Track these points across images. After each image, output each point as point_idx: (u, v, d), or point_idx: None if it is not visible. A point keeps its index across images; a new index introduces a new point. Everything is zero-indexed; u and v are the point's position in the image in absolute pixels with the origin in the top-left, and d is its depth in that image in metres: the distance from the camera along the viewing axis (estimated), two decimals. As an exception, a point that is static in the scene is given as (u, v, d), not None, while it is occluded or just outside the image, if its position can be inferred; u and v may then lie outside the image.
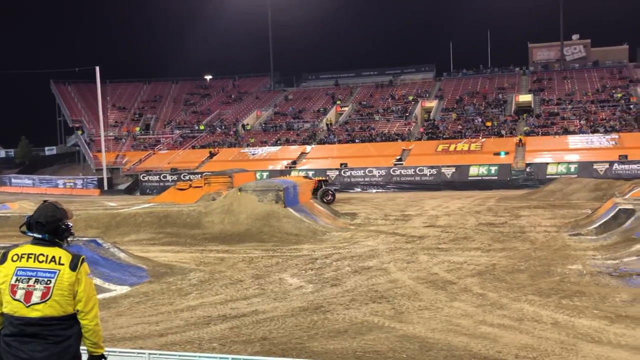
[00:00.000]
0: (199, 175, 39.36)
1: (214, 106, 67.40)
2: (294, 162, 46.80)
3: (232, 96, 70.03)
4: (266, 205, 18.65)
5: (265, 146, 52.15)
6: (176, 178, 43.74)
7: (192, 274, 12.38)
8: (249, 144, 53.51)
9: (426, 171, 39.27)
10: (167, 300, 10.14)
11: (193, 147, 55.13)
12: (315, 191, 28.82)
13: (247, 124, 59.08)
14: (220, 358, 5.07)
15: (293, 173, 42.94)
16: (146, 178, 46.65)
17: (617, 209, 16.00)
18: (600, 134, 43.14)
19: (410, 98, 58.96)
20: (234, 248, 15.82)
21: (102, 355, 3.95)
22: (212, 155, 51.38)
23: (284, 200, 18.87)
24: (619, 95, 50.79)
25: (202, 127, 60.45)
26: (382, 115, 55.97)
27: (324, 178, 31.33)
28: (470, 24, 77.16)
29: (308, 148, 49.79)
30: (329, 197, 28.89)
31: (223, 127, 60.41)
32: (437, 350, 7.13)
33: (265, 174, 42.73)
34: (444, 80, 64.49)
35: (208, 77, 75.31)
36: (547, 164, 38.84)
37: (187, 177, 42.33)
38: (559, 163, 38.59)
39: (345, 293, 10.25)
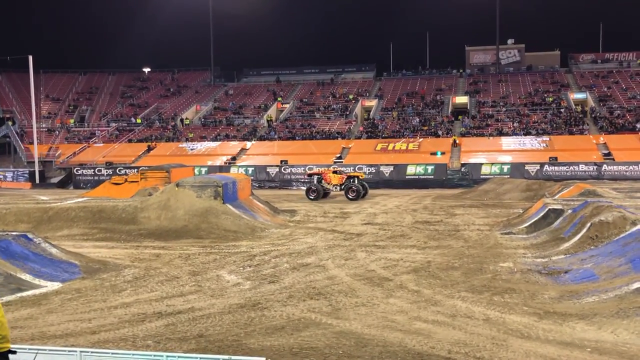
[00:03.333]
0: (135, 170, 38.48)
1: (152, 99, 66.03)
2: (234, 158, 46.41)
3: (171, 90, 68.77)
4: (204, 201, 18.44)
5: (204, 141, 51.47)
6: (111, 172, 42.73)
7: (127, 270, 12.11)
8: (188, 138, 52.70)
9: (365, 169, 39.64)
10: (100, 297, 9.89)
11: (129, 141, 53.84)
12: (342, 186, 29.26)
13: (186, 119, 58.17)
14: (155, 356, 4.97)
15: (232, 169, 42.60)
16: (80, 172, 45.32)
17: (546, 209, 16.56)
18: (532, 136, 44.57)
19: (351, 97, 59.41)
20: (171, 244, 15.58)
21: (10, 351, 3.80)
22: (149, 149, 50.36)
23: (223, 196, 18.70)
24: (551, 99, 52.67)
25: (139, 121, 59.11)
26: (323, 113, 56.16)
27: (357, 173, 31.04)
28: (410, 26, 78.42)
29: (248, 144, 49.47)
30: (354, 194, 28.70)
31: (161, 121, 59.24)
32: (372, 347, 7.22)
33: (204, 170, 42.17)
34: (384, 80, 65.26)
35: (146, 70, 73.69)
36: (482, 164, 39.84)
37: (122, 172, 41.32)
38: (492, 164, 39.65)
39: (283, 290, 10.26)
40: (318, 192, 29.39)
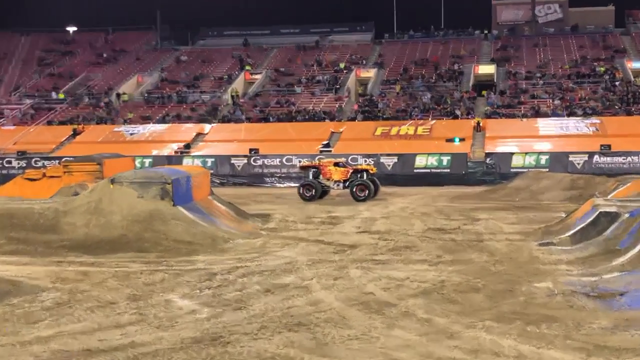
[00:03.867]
0: (57, 161, 38.12)
1: (79, 68, 65.49)
2: (188, 146, 46.22)
3: (104, 55, 68.24)
4: (148, 202, 18.33)
5: (148, 123, 51.18)
6: (25, 164, 42.47)
7: (46, 294, 12.02)
8: (127, 120, 52.36)
9: (361, 160, 39.66)
10: (10, 329, 9.82)
11: (49, 123, 53.38)
12: (345, 183, 29.50)
13: (124, 94, 57.83)
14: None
15: (185, 161, 42.47)
16: (-17, 164, 44.95)
17: (597, 213, 16.61)
18: (578, 118, 44.82)
19: (342, 66, 59.39)
20: (104, 260, 15.48)
21: None
22: (75, 134, 49.95)
23: (173, 196, 18.60)
24: (602, 69, 53.02)
25: (61, 96, 58.60)
26: (306, 87, 56.11)
27: (366, 166, 31.27)
28: (420, -27, 78.40)
29: (207, 127, 49.27)
30: (364, 193, 28.87)
31: (91, 97, 58.81)
32: (370, 392, 7.24)
33: (147, 162, 41.96)
34: (385, 43, 65.31)
35: (71, 29, 73.07)
36: (512, 154, 40.01)
37: (40, 164, 41.03)
38: (526, 153, 39.83)
39: (252, 319, 10.24)
40: (315, 190, 29.50)
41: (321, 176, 30.08)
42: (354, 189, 29.10)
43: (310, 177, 30.24)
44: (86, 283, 13.02)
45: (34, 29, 72.92)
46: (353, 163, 34.98)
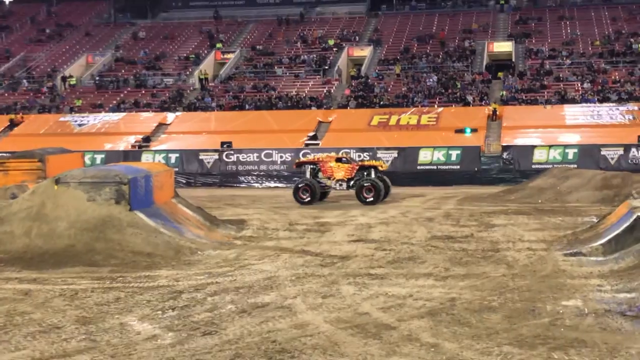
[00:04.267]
0: (-9, 158, 38.01)
1: (17, 46, 65.25)
2: (147, 139, 46.15)
3: (47, 31, 68.03)
4: (101, 206, 18.27)
5: (100, 112, 51.06)
6: (-47, 162, 42.14)
7: (-22, 317, 11.98)
8: (74, 108, 52.23)
9: (354, 155, 39.64)
10: None
11: (-19, 112, 53.27)
12: (349, 182, 29.62)
13: (71, 77, 57.66)
14: None
15: (145, 157, 42.34)
16: None
17: (634, 217, 16.68)
18: (611, 104, 45.10)
19: (331, 42, 59.43)
20: (48, 276, 15.42)
21: None
22: (12, 125, 49.80)
23: (130, 199, 18.55)
24: (640, 46, 53.28)
25: (-4, 80, 58.47)
26: (288, 68, 56.12)
27: (375, 162, 31.27)
28: None
29: (170, 117, 49.20)
30: (371, 195, 28.86)
31: (31, 81, 58.60)
32: None
33: (99, 158, 41.84)
34: (383, 16, 65.35)
35: (7, 0, 72.82)
36: (534, 147, 40.13)
37: (-29, 161, 40.84)
38: (550, 146, 39.97)
39: (225, 345, 10.22)
40: (314, 192, 29.48)
41: (321, 174, 30.12)
42: (361, 190, 29.13)
43: (308, 175, 30.26)
44: (26, 303, 12.96)
45: (-38, 0, 72.61)
46: (359, 158, 34.89)
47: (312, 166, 30.45)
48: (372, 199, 28.80)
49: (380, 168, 30.26)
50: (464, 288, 13.66)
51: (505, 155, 39.91)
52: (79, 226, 17.81)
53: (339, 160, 30.31)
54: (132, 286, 14.32)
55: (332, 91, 51.39)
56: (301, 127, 45.19)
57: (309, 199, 29.30)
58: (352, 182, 29.71)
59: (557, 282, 13.97)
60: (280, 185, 40.39)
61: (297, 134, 44.17)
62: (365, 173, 29.78)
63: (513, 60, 54.01)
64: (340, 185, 29.91)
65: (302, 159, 32.85)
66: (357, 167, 30.05)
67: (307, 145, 42.35)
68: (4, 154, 35.06)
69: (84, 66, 60.66)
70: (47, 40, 66.11)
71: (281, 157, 41.46)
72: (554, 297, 12.75)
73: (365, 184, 29.08)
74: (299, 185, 29.92)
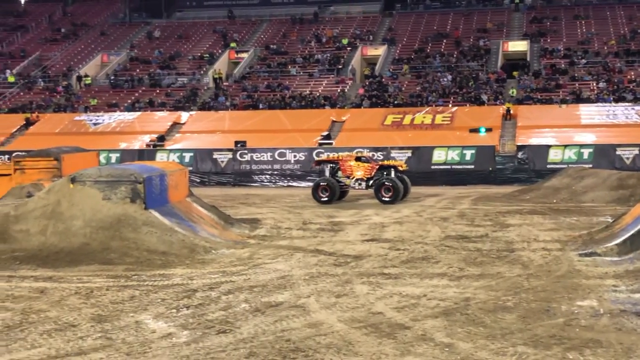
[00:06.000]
0: (6, 157, 38.16)
1: (33, 46, 65.49)
2: (162, 138, 46.24)
3: (63, 30, 68.27)
4: (116, 205, 18.31)
5: (114, 112, 51.22)
6: (-31, 160, 42.32)
7: (-6, 314, 12.04)
8: (89, 107, 52.40)
9: (368, 154, 39.65)
10: (-49, 358, 9.83)
11: (-3, 111, 53.52)
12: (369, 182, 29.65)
13: (86, 76, 57.83)
14: None
15: (159, 156, 42.42)
16: None
17: (649, 217, 16.64)
18: (627, 104, 44.91)
19: (345, 42, 59.39)
20: (63, 274, 15.48)
21: None
22: (28, 124, 50.00)
23: (145, 198, 18.58)
24: (656, 45, 53.04)
25: (11, 79, 58.61)
26: (302, 67, 56.12)
27: (395, 162, 31.41)
28: None
29: (184, 116, 49.31)
30: (390, 195, 28.90)
31: (47, 80, 58.80)
32: None
33: (114, 157, 41.97)
34: (397, 15, 65.27)
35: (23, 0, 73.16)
36: (549, 147, 40.04)
37: (-14, 159, 41.04)
38: (565, 146, 39.87)
39: (239, 344, 10.24)
40: (333, 191, 29.49)
41: (340, 173, 30.11)
42: (380, 189, 29.13)
43: (327, 174, 30.27)
44: (42, 301, 13.00)
45: (-22, -1, 72.90)
46: (378, 158, 34.92)
47: (331, 165, 30.44)
48: (390, 198, 28.81)
49: (400, 168, 30.25)
50: (479, 288, 13.63)
51: (520, 154, 39.84)
52: (95, 225, 17.86)
53: (358, 159, 30.30)
54: (147, 284, 14.37)
55: (346, 90, 51.35)
56: (315, 127, 45.22)
57: (327, 197, 29.33)
58: (371, 182, 29.69)
59: (572, 283, 13.93)
60: (293, 184, 40.42)
61: (310, 134, 44.20)
62: (385, 173, 29.78)
63: (528, 59, 53.84)
64: (360, 184, 29.88)
65: (321, 157, 32.83)
66: (377, 167, 30.03)
67: (320, 144, 42.34)
68: (20, 153, 35.21)
69: (99, 65, 60.84)
70: (63, 40, 66.32)
71: (295, 156, 41.48)
72: (569, 298, 12.71)
73: (384, 184, 29.11)
74: (319, 184, 29.98)
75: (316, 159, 33.06)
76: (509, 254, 17.28)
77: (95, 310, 12.31)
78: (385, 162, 31.26)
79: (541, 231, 20.99)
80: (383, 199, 28.88)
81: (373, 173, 29.78)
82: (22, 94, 56.40)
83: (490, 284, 13.94)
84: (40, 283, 14.63)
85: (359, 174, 29.82)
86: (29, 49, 64.49)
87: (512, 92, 47.49)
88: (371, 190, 29.63)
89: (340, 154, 32.60)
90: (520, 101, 46.68)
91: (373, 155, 35.37)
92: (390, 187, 29.02)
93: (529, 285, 13.84)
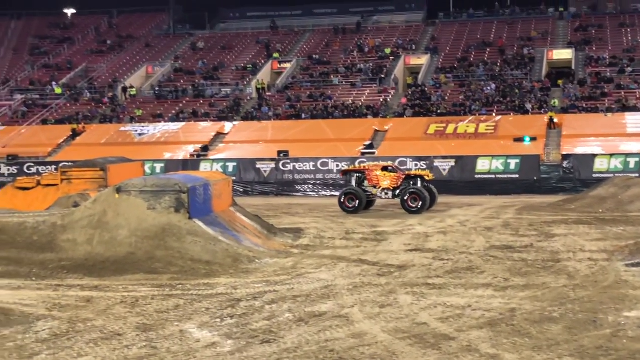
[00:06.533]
0: (53, 167, 38.56)
1: (79, 57, 66.34)
2: (206, 149, 46.54)
3: (108, 42, 69.06)
4: (161, 215, 18.44)
5: (159, 122, 51.66)
6: (16, 171, 42.87)
7: (41, 323, 12.14)
8: (135, 118, 52.90)
9: (411, 164, 39.57)
10: (-1, 366, 9.94)
11: (44, 122, 54.15)
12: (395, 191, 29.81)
13: (132, 87, 58.41)
14: None
15: (203, 166, 42.68)
16: (-33, 170, 45.64)
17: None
18: (675, 112, 44.50)
19: (388, 51, 59.40)
20: (109, 283, 15.61)
21: None
22: (74, 134, 50.58)
23: (189, 207, 18.68)
24: None
25: (58, 90, 59.37)
26: (344, 77, 56.18)
27: (421, 172, 31.54)
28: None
29: (228, 126, 49.59)
30: (417, 204, 28.97)
31: (93, 91, 59.47)
32: None
33: (159, 167, 42.26)
34: (440, 24, 65.19)
35: (70, 11, 74.10)
36: (595, 156, 39.63)
37: (33, 170, 41.53)
38: (612, 155, 39.43)
39: (283, 354, 10.24)
40: (360, 200, 29.55)
41: (366, 182, 30.17)
42: (406, 199, 29.07)
43: (354, 183, 30.32)
44: (88, 310, 13.12)
45: (27, 11, 73.94)
46: (404, 167, 34.93)
47: (357, 174, 30.55)
48: (416, 207, 28.77)
49: (426, 178, 30.25)
50: (524, 299, 13.53)
51: (565, 164, 39.50)
52: (140, 234, 17.97)
53: (385, 169, 30.37)
54: (191, 294, 14.43)
55: (389, 100, 51.33)
56: (357, 136, 45.23)
57: (353, 207, 29.40)
58: (397, 191, 29.72)
59: (619, 293, 13.78)
60: (336, 194, 40.27)
61: (353, 143, 44.18)
62: (412, 182, 29.79)
63: (573, 68, 53.46)
64: (386, 194, 29.98)
65: (348, 167, 32.97)
66: (403, 177, 30.08)
67: (363, 154, 42.31)
68: (67, 163, 35.59)
69: (144, 77, 61.41)
70: (108, 51, 67.10)
71: (337, 165, 41.43)
72: (616, 308, 12.57)
73: (410, 193, 29.07)
74: (345, 194, 30.06)
75: (342, 169, 33.21)
76: (554, 264, 17.15)
77: (141, 319, 12.39)
78: (412, 172, 31.38)
79: (587, 241, 20.80)
80: (410, 208, 28.85)
81: (400, 183, 29.83)
82: (68, 105, 57.09)
83: (536, 295, 13.83)
84: (87, 292, 14.76)
85: (385, 183, 29.93)
86: (75, 61, 65.30)
87: (554, 103, 47.11)
88: (398, 200, 29.63)
89: (366, 163, 32.70)
90: (565, 110, 46.35)
91: (416, 164, 35.33)
92: (416, 196, 28.97)
93: (575, 295, 13.71)
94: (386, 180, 29.88)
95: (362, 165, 32.58)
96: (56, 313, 12.92)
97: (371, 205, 30.62)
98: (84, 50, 67.96)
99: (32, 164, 44.07)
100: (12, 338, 11.26)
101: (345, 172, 31.93)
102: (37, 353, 10.47)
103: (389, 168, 30.53)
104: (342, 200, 29.83)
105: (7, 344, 10.91)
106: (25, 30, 71.96)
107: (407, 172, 31.05)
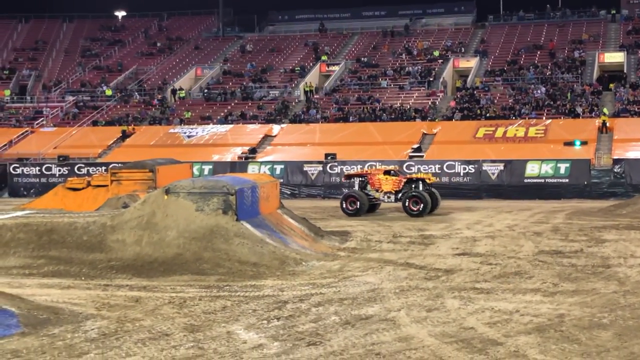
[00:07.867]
0: (103, 168, 39.02)
1: (129, 59, 66.99)
2: (253, 151, 46.71)
3: (158, 44, 69.69)
4: (208, 216, 18.54)
5: (208, 124, 51.97)
6: (67, 171, 43.35)
7: (90, 322, 12.28)
8: (183, 120, 53.28)
9: (459, 168, 39.41)
10: (49, 364, 10.05)
11: (95, 124, 54.78)
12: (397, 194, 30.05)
13: (181, 89, 58.84)
14: None
15: (251, 168, 42.86)
16: (19, 170, 46.23)
17: None
18: None
19: (437, 54, 59.19)
20: (157, 283, 15.75)
21: None
22: (124, 136, 51.09)
23: (237, 209, 18.77)
24: None
25: (109, 92, 60.02)
26: (393, 80, 56.10)
27: (423, 175, 31.80)
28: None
29: (276, 129, 49.75)
30: (419, 207, 29.12)
31: (143, 93, 60.02)
32: None
33: (207, 168, 42.52)
34: (489, 27, 64.81)
35: (120, 14, 74.91)
36: (647, 160, 39.27)
37: (83, 171, 42.02)
38: (665, 159, 39.06)
39: (329, 356, 10.25)
40: (361, 203, 29.84)
41: (369, 186, 30.47)
42: (407, 202, 29.20)
43: (356, 187, 30.63)
44: (137, 310, 13.25)
45: (78, 14, 74.80)
46: (408, 171, 35.52)
47: (360, 178, 30.88)
48: (417, 211, 28.87)
49: (428, 181, 30.39)
50: (573, 304, 13.40)
51: (616, 168, 39.04)
52: (188, 235, 18.11)
53: (387, 173, 30.65)
54: (238, 295, 14.50)
55: (437, 103, 51.14)
56: (405, 139, 45.12)
57: (355, 210, 29.68)
58: (399, 195, 29.89)
59: (670, 300, 13.61)
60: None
61: (401, 146, 44.12)
62: (413, 186, 29.87)
63: (625, 71, 52.81)
64: (389, 197, 30.20)
65: (351, 171, 33.18)
66: (404, 180, 30.23)
67: (411, 157, 42.22)
68: (117, 165, 36.01)
69: (193, 79, 61.83)
70: (158, 54, 67.68)
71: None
72: (667, 316, 12.42)
73: (412, 196, 29.18)
74: (346, 197, 30.40)
75: (345, 173, 33.59)
76: (604, 270, 16.95)
77: (188, 320, 12.48)
78: (414, 176, 31.59)
79: (638, 247, 20.53)
80: (411, 211, 28.98)
81: (401, 186, 29.94)
82: (119, 107, 57.68)
83: (585, 300, 13.69)
84: (135, 292, 14.90)
85: (387, 187, 30.12)
86: (125, 63, 65.97)
87: (605, 111, 46.50)
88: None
89: (369, 167, 33.02)
90: (617, 114, 45.83)
91: (465, 168, 35.19)
92: (417, 199, 29.06)
93: (626, 302, 13.55)
94: (388, 184, 30.12)
95: (364, 169, 32.88)
96: (105, 312, 13.06)
97: (375, 209, 30.89)
98: (134, 52, 68.63)
99: (83, 165, 44.55)
100: (61, 337, 11.39)
101: (348, 177, 32.46)
102: (85, 352, 10.58)
103: (391, 172, 30.83)
104: (343, 204, 30.24)
105: (57, 343, 11.04)
106: (77, 33, 72.82)
107: (408, 176, 31.32)
